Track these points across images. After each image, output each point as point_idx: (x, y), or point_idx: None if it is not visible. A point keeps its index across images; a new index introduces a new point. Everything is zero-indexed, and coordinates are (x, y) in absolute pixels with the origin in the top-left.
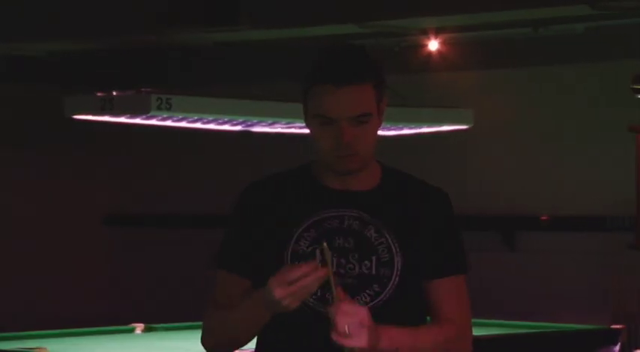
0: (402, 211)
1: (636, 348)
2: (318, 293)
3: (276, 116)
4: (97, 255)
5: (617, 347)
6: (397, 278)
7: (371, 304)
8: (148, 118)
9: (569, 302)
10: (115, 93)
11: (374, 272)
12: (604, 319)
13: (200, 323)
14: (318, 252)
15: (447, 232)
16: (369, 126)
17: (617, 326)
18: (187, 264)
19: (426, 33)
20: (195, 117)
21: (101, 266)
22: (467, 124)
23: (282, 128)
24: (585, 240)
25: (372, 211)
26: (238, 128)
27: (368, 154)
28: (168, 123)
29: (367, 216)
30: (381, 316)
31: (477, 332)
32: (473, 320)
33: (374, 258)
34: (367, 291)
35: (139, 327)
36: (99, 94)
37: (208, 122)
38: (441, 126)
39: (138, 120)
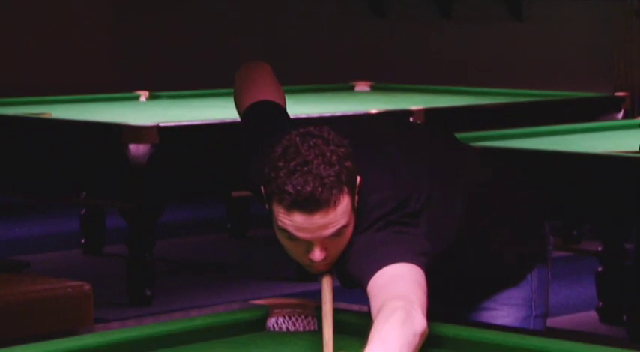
0: None
1: (639, 115)
2: None
3: None
4: (102, 22)
5: (621, 114)
6: None
7: None
8: None
9: (574, 70)
10: None
11: None
12: (608, 87)
13: (204, 91)
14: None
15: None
16: (345, 235)
17: (621, 94)
18: (193, 32)
19: None
20: None
21: (107, 33)
22: None
23: None
24: (592, 7)
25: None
26: None
27: (342, 252)
28: None
29: None
30: None
31: (482, 100)
32: (480, 90)
33: None
34: None
35: (144, 95)
36: None
37: None
38: None
39: None
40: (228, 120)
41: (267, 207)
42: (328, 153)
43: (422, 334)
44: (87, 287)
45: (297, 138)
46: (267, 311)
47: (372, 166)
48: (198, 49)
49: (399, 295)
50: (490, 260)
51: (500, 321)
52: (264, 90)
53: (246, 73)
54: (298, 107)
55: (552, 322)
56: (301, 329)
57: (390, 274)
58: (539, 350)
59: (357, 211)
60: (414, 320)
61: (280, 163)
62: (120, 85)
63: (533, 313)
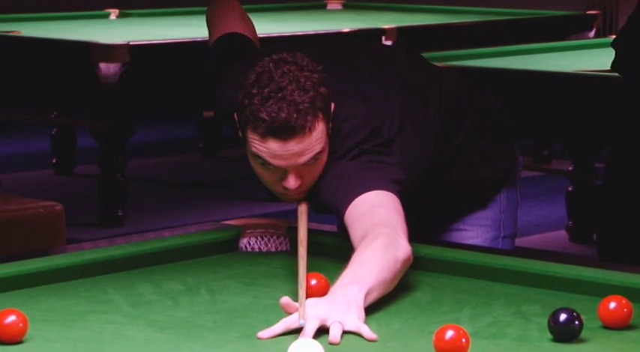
0: None
1: (611, 34)
2: None
3: None
4: None
5: (592, 33)
6: None
7: None
8: None
9: None
10: None
11: None
12: (579, 5)
13: (175, 9)
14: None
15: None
16: (320, 162)
17: (593, 12)
18: None
19: None
20: None
21: None
22: None
23: None
24: None
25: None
26: None
27: (316, 180)
28: None
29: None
30: None
31: (454, 19)
32: (451, 9)
33: None
34: None
35: (114, 13)
36: None
37: None
38: None
39: None
40: (199, 39)
41: (240, 134)
42: (302, 79)
43: (404, 261)
44: (58, 207)
45: (271, 64)
46: (240, 232)
47: (344, 92)
48: None
49: (381, 222)
50: (461, 179)
51: (469, 242)
52: (231, 23)
53: (214, 10)
54: (270, 26)
55: (522, 241)
56: (273, 249)
57: (368, 202)
58: (508, 270)
59: (331, 138)
60: (398, 247)
61: (254, 90)
62: (90, 2)
63: (502, 234)
